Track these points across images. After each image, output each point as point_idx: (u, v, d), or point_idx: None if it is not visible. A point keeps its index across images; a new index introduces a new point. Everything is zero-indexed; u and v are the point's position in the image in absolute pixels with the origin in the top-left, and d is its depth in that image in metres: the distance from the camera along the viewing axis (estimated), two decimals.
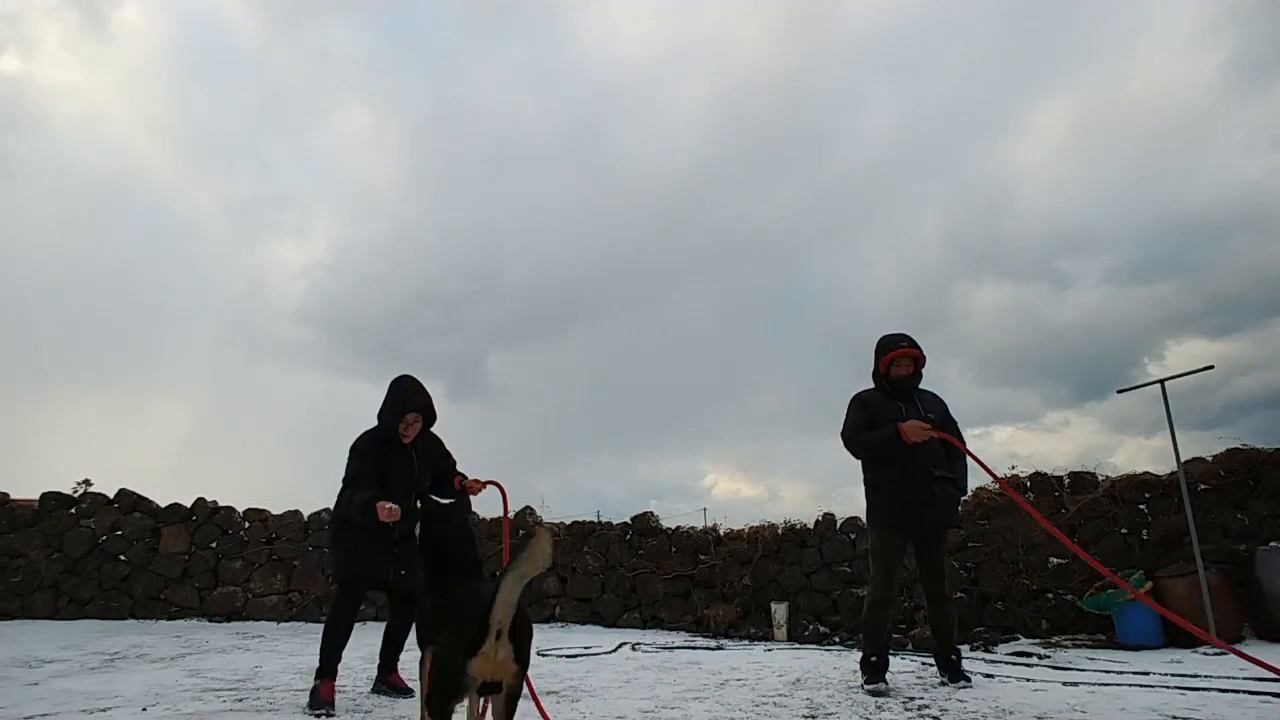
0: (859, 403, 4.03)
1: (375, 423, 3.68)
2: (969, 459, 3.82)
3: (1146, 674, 4.16)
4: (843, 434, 4.01)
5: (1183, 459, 6.10)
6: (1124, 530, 6.71)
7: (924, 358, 3.96)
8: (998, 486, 7.27)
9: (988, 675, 4.15)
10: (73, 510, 8.26)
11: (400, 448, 3.67)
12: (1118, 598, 5.94)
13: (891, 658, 4.23)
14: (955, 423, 3.96)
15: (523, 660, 1.83)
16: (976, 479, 7.55)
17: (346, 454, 3.58)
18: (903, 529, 3.85)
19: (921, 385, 4.03)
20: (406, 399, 3.68)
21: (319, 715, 3.11)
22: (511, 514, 8.35)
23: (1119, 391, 6.42)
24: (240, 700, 3.37)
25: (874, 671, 3.72)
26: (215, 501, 8.37)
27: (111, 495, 8.34)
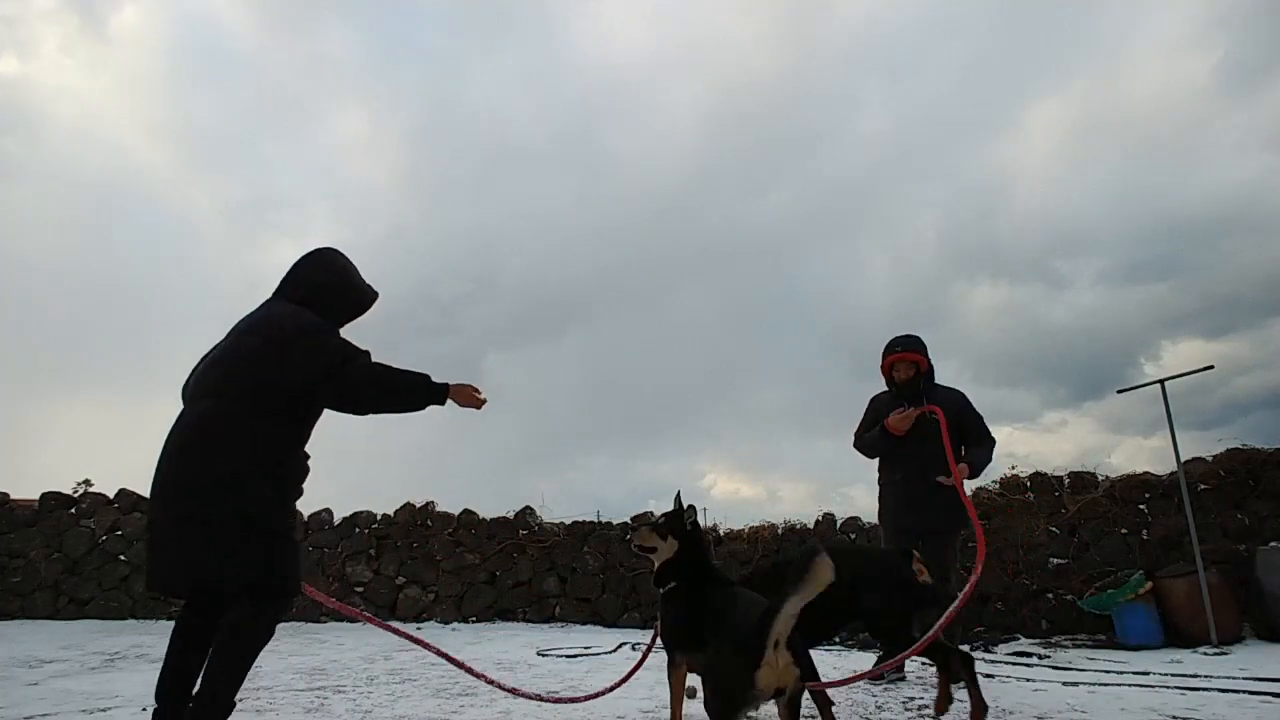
0: (870, 405, 4.18)
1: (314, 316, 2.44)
2: (983, 447, 3.93)
3: (1146, 674, 4.17)
4: (854, 435, 4.20)
5: (1182, 459, 6.11)
6: (1124, 530, 6.71)
7: (924, 360, 3.98)
8: (998, 486, 7.30)
9: (988, 675, 4.16)
10: (73, 510, 8.26)
11: None
12: (1117, 598, 5.94)
13: None
14: (979, 417, 3.97)
15: (801, 666, 1.90)
16: (979, 479, 7.55)
17: (316, 334, 2.35)
18: (903, 529, 3.95)
19: (943, 383, 4.10)
20: (368, 294, 2.71)
21: None
22: (510, 513, 8.37)
23: (1119, 391, 6.42)
24: (240, 700, 3.36)
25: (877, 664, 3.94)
26: None
27: (111, 495, 8.34)
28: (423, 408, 2.44)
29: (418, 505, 8.39)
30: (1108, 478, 7.07)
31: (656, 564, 2.49)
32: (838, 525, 7.74)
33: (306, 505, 8.48)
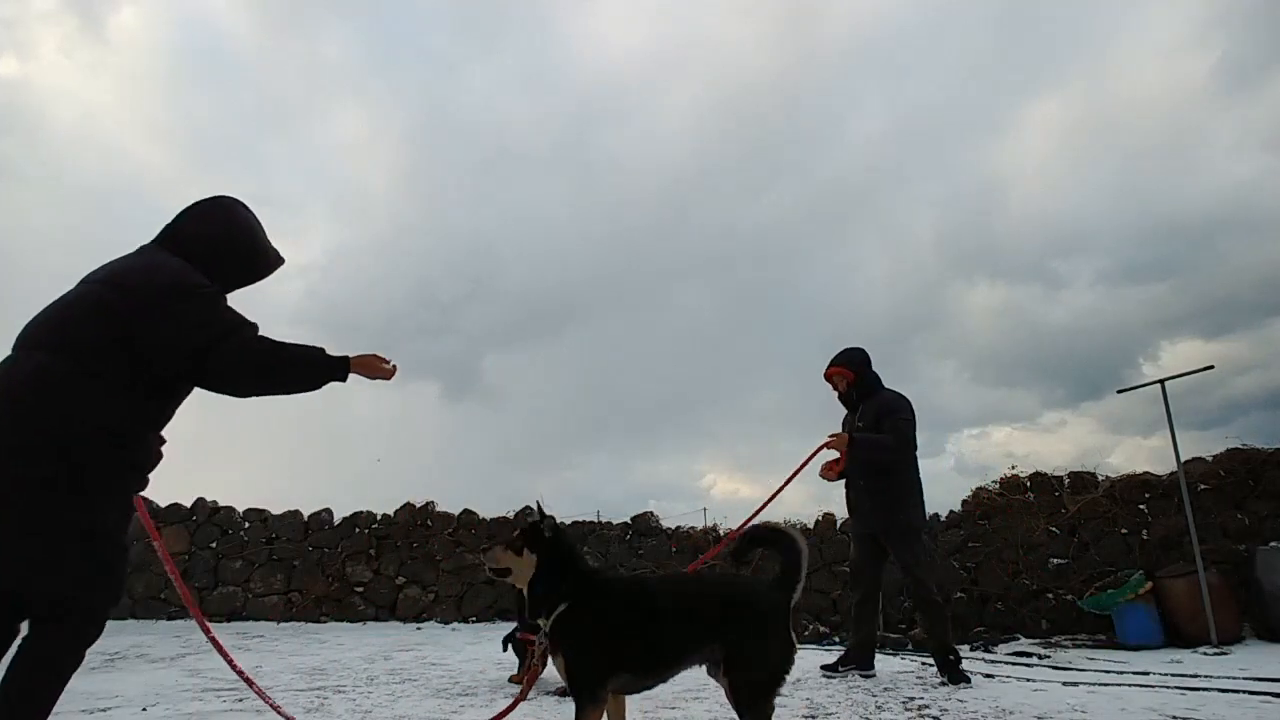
0: None
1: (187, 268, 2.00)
2: (888, 434, 4.00)
3: (1146, 674, 4.17)
4: None
5: (1182, 459, 6.11)
6: (1124, 530, 6.71)
7: (850, 373, 4.23)
8: (998, 486, 7.30)
9: (988, 675, 4.16)
10: None
11: None
12: (1117, 598, 5.94)
13: (890, 657, 4.29)
14: (897, 420, 4.05)
15: None
16: (974, 478, 7.55)
17: (195, 297, 1.92)
18: (851, 532, 4.33)
19: (895, 388, 4.25)
20: (271, 256, 2.29)
21: None
22: (510, 514, 8.37)
23: (1119, 391, 6.43)
24: (240, 700, 3.37)
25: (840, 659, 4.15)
26: (215, 501, 8.38)
27: None
28: (319, 385, 2.06)
29: (418, 505, 8.39)
30: (1108, 478, 7.08)
31: (524, 588, 2.13)
32: (838, 525, 7.74)
33: (306, 505, 8.52)
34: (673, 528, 8.39)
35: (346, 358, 2.09)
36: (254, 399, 2.07)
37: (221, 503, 8.40)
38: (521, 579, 2.12)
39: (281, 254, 2.32)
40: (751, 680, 1.97)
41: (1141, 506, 6.78)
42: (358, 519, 8.37)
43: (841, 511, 7.88)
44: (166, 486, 8.40)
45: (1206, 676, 3.97)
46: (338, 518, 8.40)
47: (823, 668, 4.08)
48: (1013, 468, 7.42)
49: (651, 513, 8.43)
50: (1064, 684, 3.80)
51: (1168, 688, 3.64)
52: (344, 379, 2.11)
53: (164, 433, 2.00)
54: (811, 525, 7.81)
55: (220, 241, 2.11)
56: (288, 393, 2.05)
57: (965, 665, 3.90)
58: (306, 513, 8.42)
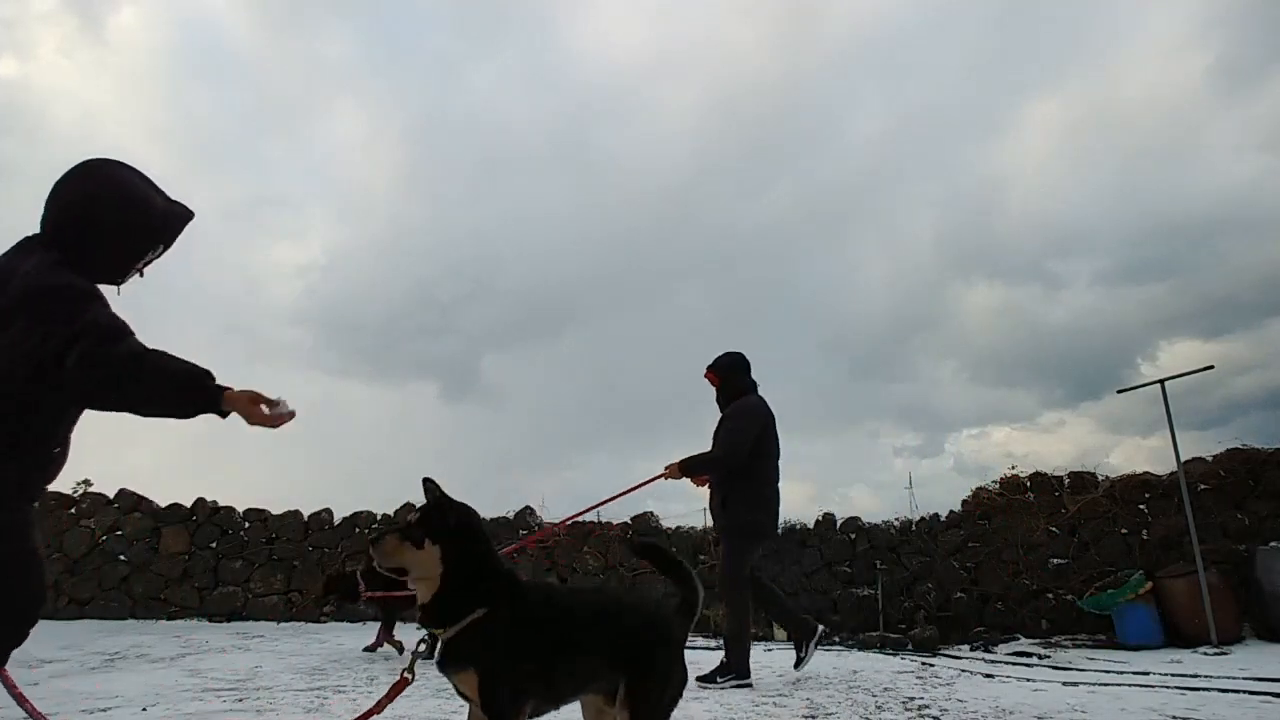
0: None
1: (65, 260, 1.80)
2: (717, 448, 4.11)
3: (1146, 674, 4.17)
4: None
5: (1182, 459, 6.11)
6: (1124, 530, 6.71)
7: (717, 379, 4.34)
8: (998, 486, 7.30)
9: (988, 675, 4.16)
10: (73, 510, 8.25)
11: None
12: (1117, 597, 5.94)
13: (890, 657, 4.28)
14: (726, 429, 4.14)
15: None
16: (974, 478, 7.56)
17: (38, 302, 1.69)
18: None
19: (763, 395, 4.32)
20: (167, 210, 1.95)
21: None
22: (510, 514, 8.37)
23: (1119, 391, 6.43)
24: (240, 700, 3.37)
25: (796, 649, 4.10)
26: (215, 501, 8.38)
27: (111, 495, 8.35)
28: (187, 414, 1.77)
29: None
30: (1108, 478, 7.08)
31: (427, 592, 1.72)
32: (838, 525, 7.74)
33: (306, 505, 8.52)
34: (673, 528, 8.39)
35: (221, 392, 1.75)
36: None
37: (221, 503, 8.40)
38: (423, 579, 1.69)
39: (189, 208, 1.98)
40: (653, 711, 1.80)
41: (1141, 506, 6.79)
42: (358, 519, 8.37)
43: (841, 510, 7.89)
44: (167, 487, 8.41)
45: (1206, 676, 3.97)
46: (338, 518, 8.40)
47: (796, 666, 4.04)
48: (1012, 468, 7.44)
49: (651, 513, 8.42)
50: (1064, 684, 3.80)
51: (1168, 688, 3.64)
52: (220, 413, 1.78)
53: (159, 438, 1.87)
54: (811, 525, 7.81)
55: (87, 207, 1.83)
56: (151, 414, 1.77)
57: (965, 665, 3.91)
58: (306, 513, 8.42)
